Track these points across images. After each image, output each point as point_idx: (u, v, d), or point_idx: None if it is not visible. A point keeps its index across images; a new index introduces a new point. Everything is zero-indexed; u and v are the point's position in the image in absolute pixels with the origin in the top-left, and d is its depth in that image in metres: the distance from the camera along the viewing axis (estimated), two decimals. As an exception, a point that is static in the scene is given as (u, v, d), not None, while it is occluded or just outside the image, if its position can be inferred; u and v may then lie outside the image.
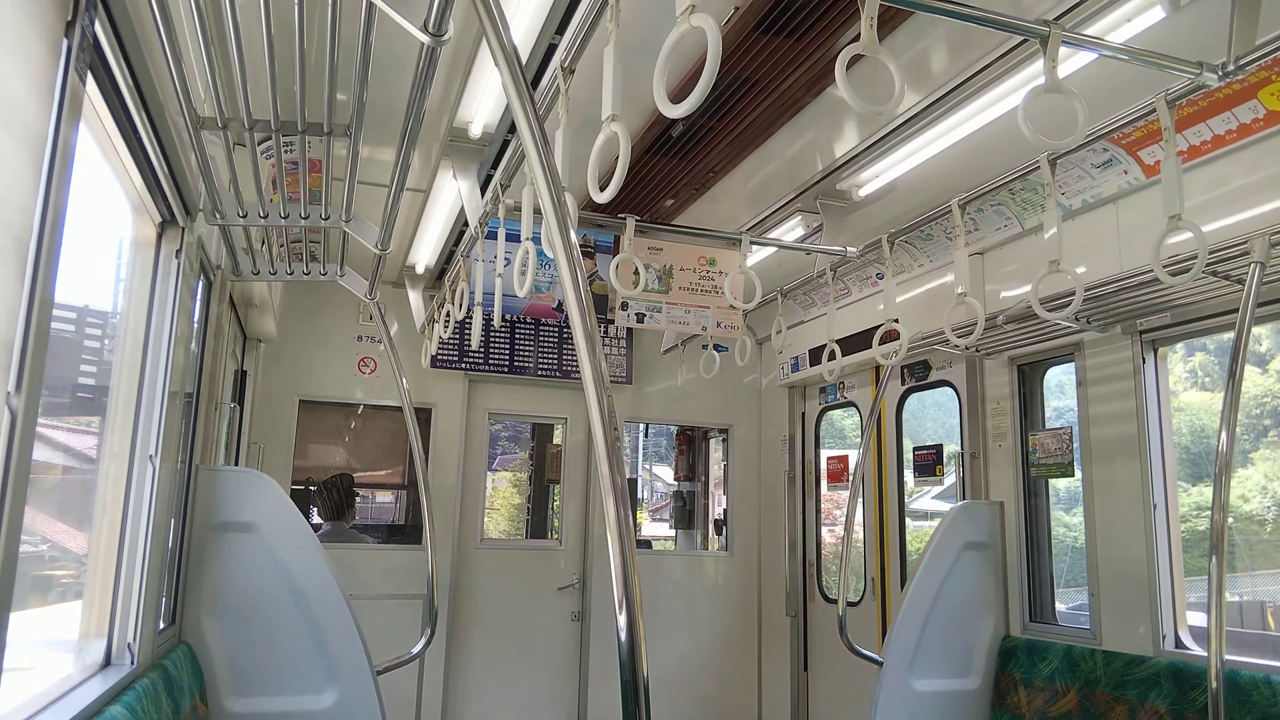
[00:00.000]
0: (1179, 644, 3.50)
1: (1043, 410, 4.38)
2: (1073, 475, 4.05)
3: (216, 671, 3.38)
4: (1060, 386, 4.48)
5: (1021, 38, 2.43)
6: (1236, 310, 2.79)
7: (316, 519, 5.77)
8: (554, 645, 6.07)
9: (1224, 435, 2.76)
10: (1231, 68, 2.36)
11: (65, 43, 1.52)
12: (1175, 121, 2.59)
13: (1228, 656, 2.90)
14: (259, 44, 2.05)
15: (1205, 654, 2.93)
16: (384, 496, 7.13)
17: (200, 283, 3.37)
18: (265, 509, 3.51)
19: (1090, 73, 2.87)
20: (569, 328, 6.10)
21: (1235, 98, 2.98)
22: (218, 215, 3.02)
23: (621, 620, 1.28)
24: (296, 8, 1.90)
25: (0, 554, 1.36)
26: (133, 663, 2.68)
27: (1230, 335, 2.89)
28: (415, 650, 4.23)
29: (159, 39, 1.93)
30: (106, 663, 2.65)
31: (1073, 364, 4.05)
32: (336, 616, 3.54)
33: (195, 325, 3.37)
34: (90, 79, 1.78)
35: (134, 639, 2.70)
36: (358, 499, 5.91)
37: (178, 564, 3.33)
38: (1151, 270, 2.80)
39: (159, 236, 2.86)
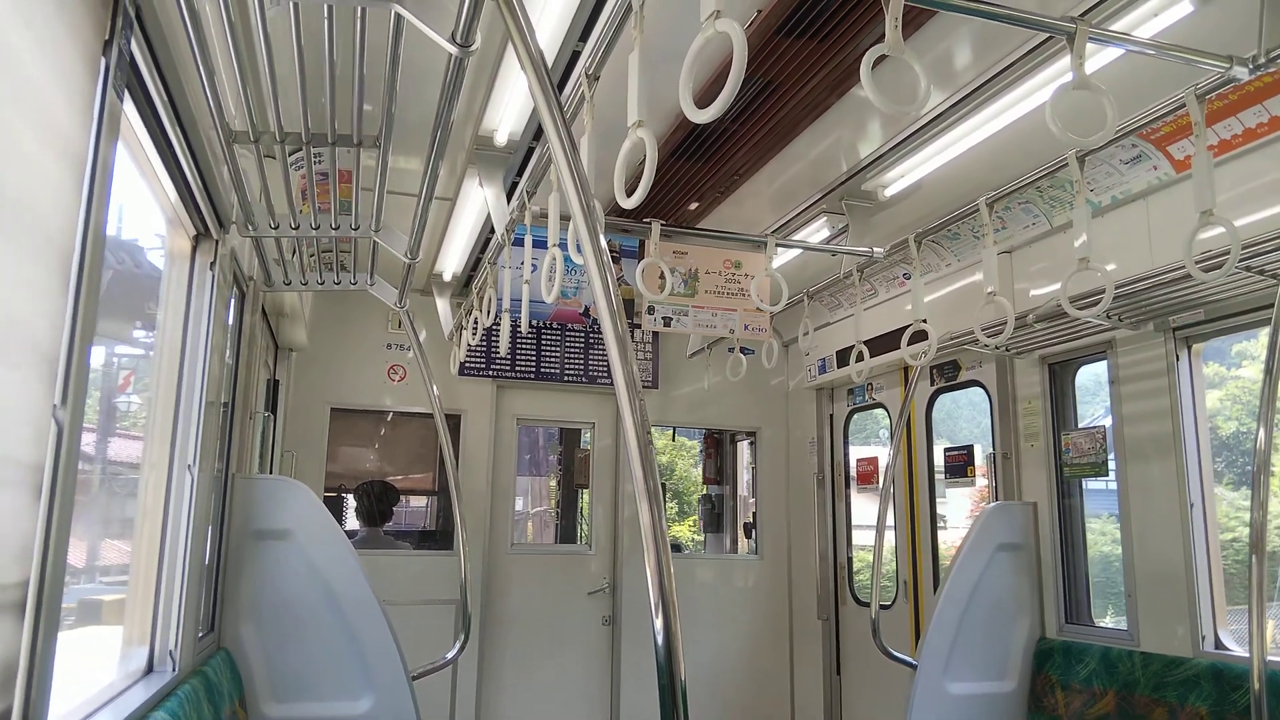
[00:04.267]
0: (1219, 645, 3.45)
1: (1075, 409, 4.34)
2: (1106, 475, 4.01)
3: (255, 678, 3.42)
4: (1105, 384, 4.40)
5: (1047, 35, 2.42)
6: (1272, 305, 2.75)
7: (350, 525, 5.83)
8: (586, 649, 6.08)
9: (1261, 432, 2.73)
10: (1263, 60, 2.33)
11: (103, 62, 1.56)
12: (1205, 116, 2.56)
13: (1270, 658, 2.86)
14: (289, 58, 2.08)
15: (1246, 655, 2.89)
16: (416, 502, 7.19)
17: (233, 294, 3.42)
18: (301, 516, 3.55)
19: (1117, 68, 2.85)
20: (595, 333, 6.14)
21: (1266, 90, 2.93)
22: (250, 227, 3.07)
23: (658, 624, 1.28)
24: (326, 22, 1.93)
25: (50, 564, 1.39)
26: (174, 669, 2.72)
27: (1266, 331, 2.85)
28: (450, 656, 4.26)
29: (192, 56, 1.97)
30: (149, 669, 2.69)
31: (1105, 362, 4.01)
32: (372, 622, 3.58)
33: (229, 336, 3.42)
34: (126, 96, 1.82)
35: (175, 646, 2.74)
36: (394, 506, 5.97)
37: (216, 572, 3.38)
38: (1183, 266, 2.77)
39: (193, 249, 2.91)
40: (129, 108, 1.96)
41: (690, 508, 11.48)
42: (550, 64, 2.89)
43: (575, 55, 2.86)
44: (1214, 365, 7.18)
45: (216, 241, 2.95)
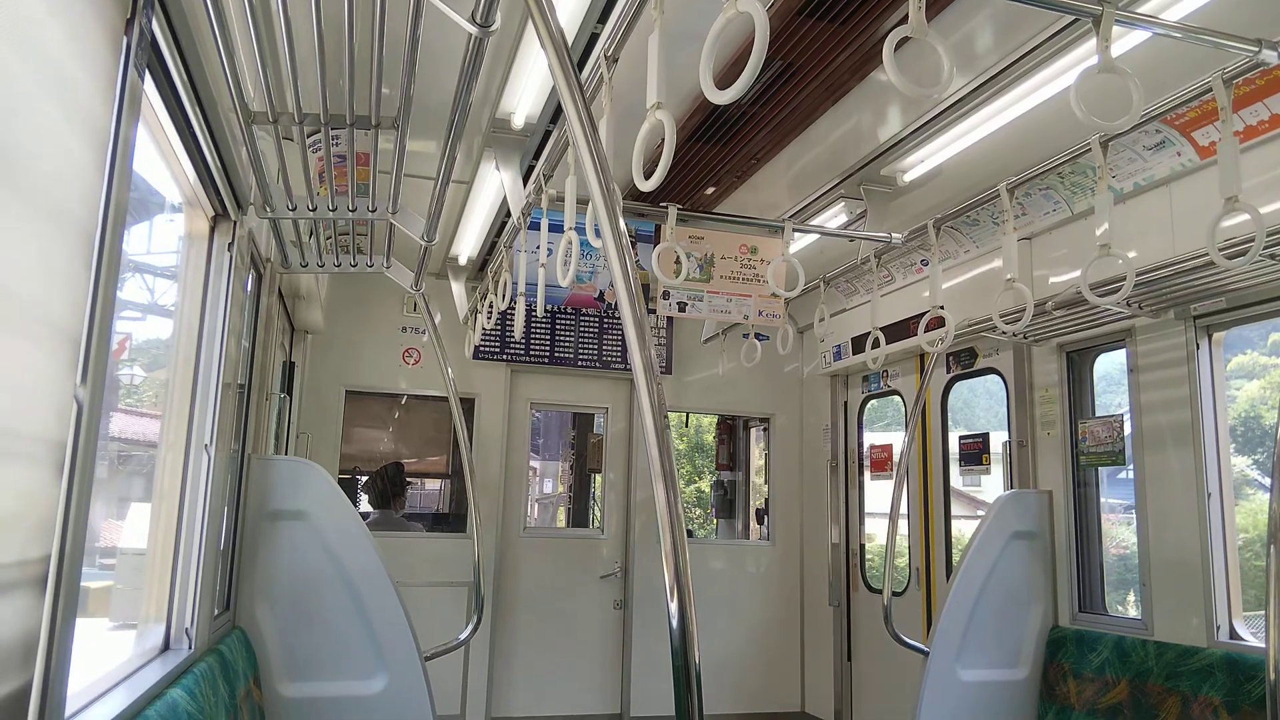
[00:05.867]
0: (1234, 635, 3.43)
1: (1093, 398, 4.31)
2: (1123, 464, 3.98)
3: (270, 656, 3.45)
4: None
5: (1073, 17, 2.39)
6: (1296, 294, 2.72)
7: (364, 507, 5.86)
8: (597, 633, 6.11)
9: (1282, 422, 2.70)
10: (1292, 44, 2.30)
11: (125, 40, 1.55)
12: (1232, 101, 2.52)
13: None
14: (308, 39, 2.07)
15: (1261, 645, 2.87)
16: (430, 485, 7.23)
17: (250, 275, 3.43)
18: (316, 497, 3.57)
19: (1142, 52, 2.81)
20: (609, 317, 6.14)
21: (1295, 75, 2.89)
22: (268, 209, 3.07)
23: (673, 607, 1.28)
24: (345, 2, 1.92)
25: (70, 541, 1.40)
26: (190, 647, 2.75)
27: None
28: (462, 637, 4.28)
29: (212, 35, 1.96)
30: (165, 647, 2.72)
31: (1124, 350, 3.97)
32: (385, 603, 3.60)
33: (246, 317, 3.43)
34: (147, 76, 1.82)
35: (191, 624, 2.77)
36: (408, 488, 6.00)
37: (232, 551, 3.40)
38: (1206, 254, 2.74)
39: (211, 230, 2.91)
40: (149, 87, 1.96)
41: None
42: (569, 46, 2.87)
43: (594, 37, 2.84)
44: (1253, 354, 7.09)
45: (234, 223, 2.96)
